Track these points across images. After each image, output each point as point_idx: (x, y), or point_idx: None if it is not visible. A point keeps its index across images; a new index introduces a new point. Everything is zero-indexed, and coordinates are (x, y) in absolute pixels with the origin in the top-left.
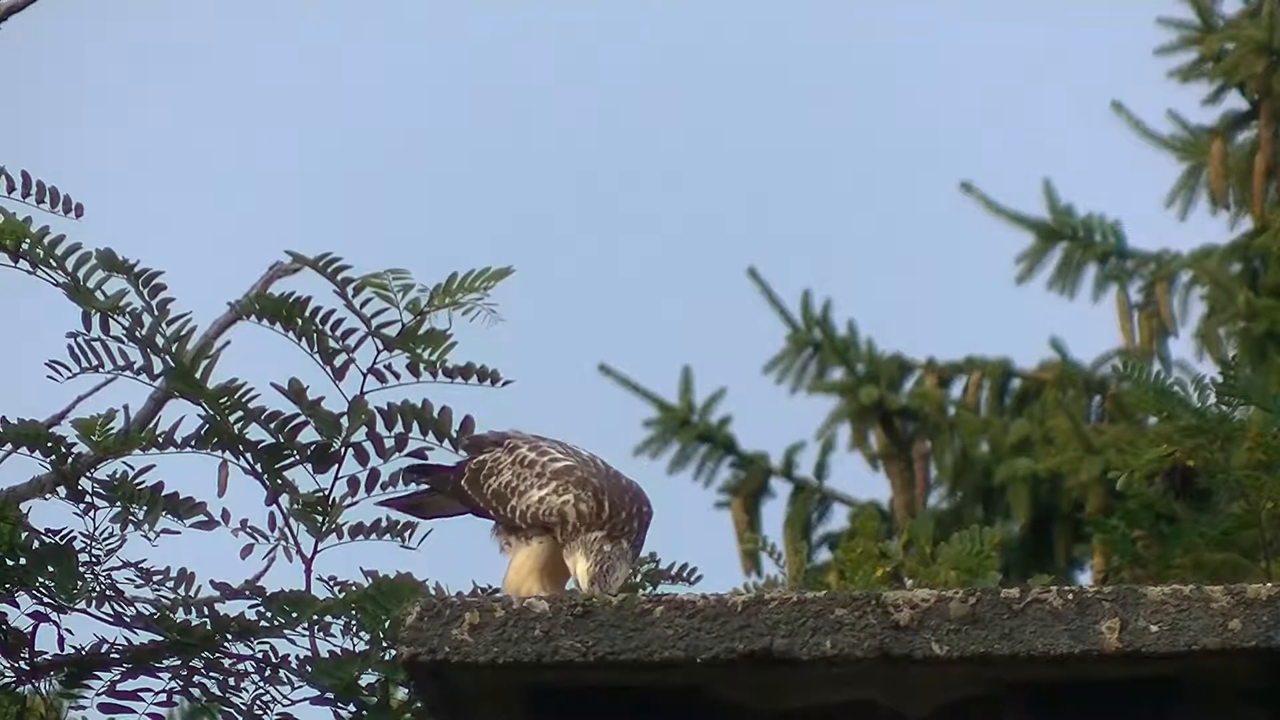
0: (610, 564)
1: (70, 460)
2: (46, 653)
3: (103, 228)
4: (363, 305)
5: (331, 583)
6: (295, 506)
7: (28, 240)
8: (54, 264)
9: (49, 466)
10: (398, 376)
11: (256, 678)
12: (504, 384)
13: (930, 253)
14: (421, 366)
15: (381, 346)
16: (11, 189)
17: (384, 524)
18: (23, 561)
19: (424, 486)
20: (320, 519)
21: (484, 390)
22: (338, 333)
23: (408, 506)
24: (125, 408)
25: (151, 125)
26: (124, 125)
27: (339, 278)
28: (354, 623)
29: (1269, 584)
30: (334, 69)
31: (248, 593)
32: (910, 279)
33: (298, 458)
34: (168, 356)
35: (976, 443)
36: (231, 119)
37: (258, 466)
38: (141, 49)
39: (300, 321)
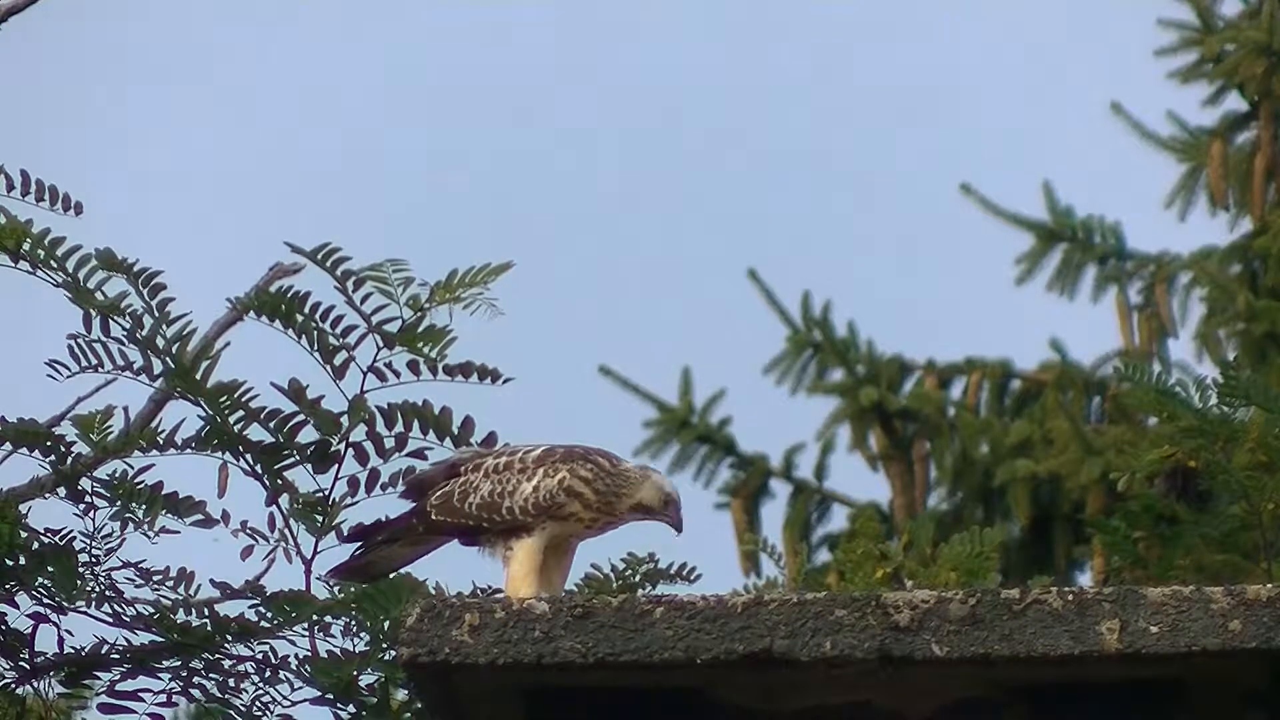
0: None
1: (70, 460)
2: (46, 653)
3: (103, 228)
4: (363, 301)
5: (331, 583)
6: (295, 506)
7: (29, 241)
8: (54, 265)
9: (49, 467)
10: (398, 375)
11: (256, 678)
12: (504, 381)
13: (930, 254)
14: (422, 363)
15: (382, 343)
16: (11, 188)
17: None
18: (22, 561)
19: (367, 547)
20: (320, 519)
21: (484, 391)
22: (337, 329)
23: (354, 570)
24: (125, 409)
25: (152, 125)
26: (124, 126)
27: (339, 271)
28: (353, 623)
29: (1269, 585)
30: (334, 69)
31: (248, 593)
32: (910, 280)
33: (298, 458)
34: (168, 358)
35: (976, 444)
36: (232, 119)
37: (258, 467)
38: (142, 50)
39: (300, 318)
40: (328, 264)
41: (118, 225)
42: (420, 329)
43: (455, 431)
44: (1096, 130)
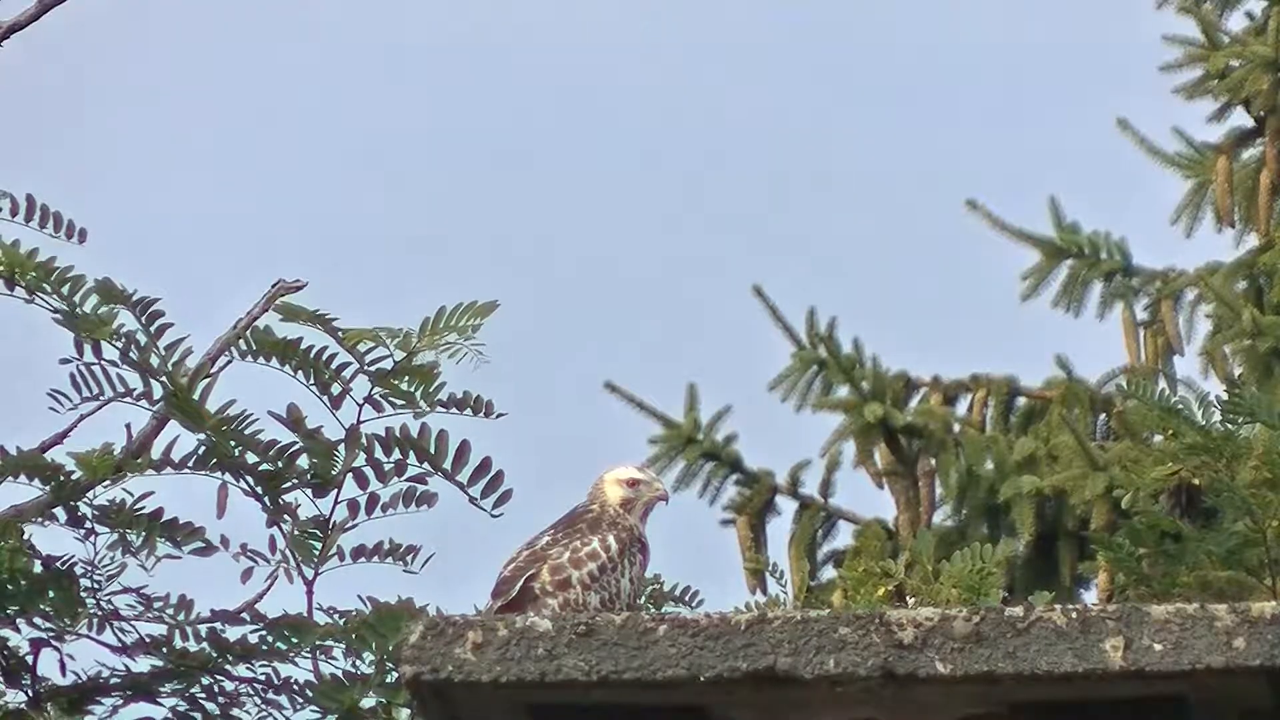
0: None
1: (70, 486)
2: (49, 679)
3: (104, 228)
4: (354, 344)
5: (332, 611)
6: (295, 534)
7: (19, 270)
8: (49, 290)
9: (48, 493)
10: (394, 405)
11: (258, 700)
12: (497, 416)
13: (935, 270)
14: (418, 397)
15: (373, 384)
16: (15, 212)
17: (386, 546)
18: (24, 585)
19: None
20: (318, 545)
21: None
22: (332, 366)
23: None
24: (128, 426)
25: (153, 125)
26: (125, 126)
27: (329, 326)
28: (354, 647)
29: (1274, 602)
30: (334, 69)
31: (245, 617)
32: (915, 296)
33: (297, 482)
34: (165, 378)
35: (981, 460)
36: (233, 119)
37: (258, 488)
38: (143, 52)
39: (295, 357)
40: (319, 319)
41: (119, 225)
42: (411, 368)
43: (449, 460)
44: (1102, 146)
